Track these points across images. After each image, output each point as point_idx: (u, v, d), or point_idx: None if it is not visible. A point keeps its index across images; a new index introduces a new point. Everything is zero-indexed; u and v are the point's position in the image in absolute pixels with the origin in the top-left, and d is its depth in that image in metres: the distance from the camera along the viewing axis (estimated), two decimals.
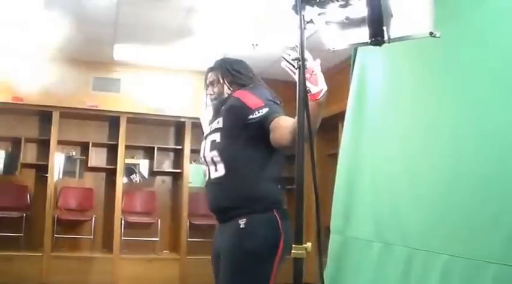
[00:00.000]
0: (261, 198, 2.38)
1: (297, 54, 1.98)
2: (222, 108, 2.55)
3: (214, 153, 2.45)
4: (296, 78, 2.03)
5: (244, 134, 2.39)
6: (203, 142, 2.59)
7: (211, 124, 2.59)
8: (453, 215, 2.88)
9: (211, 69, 2.71)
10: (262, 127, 2.32)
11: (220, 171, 2.43)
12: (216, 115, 2.59)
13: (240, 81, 2.60)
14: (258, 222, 2.34)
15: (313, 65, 2.11)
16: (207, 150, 2.51)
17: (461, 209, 2.82)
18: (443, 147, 3.08)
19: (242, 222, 2.33)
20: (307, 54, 2.02)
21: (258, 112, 2.34)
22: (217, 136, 2.47)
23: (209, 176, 2.52)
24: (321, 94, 2.09)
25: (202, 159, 2.56)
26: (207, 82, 2.70)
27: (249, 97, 2.42)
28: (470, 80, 2.94)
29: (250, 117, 2.35)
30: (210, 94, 2.68)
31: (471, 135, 2.86)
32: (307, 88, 1.99)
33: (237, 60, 2.73)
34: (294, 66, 2.03)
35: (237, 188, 2.39)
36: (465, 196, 2.82)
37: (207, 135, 2.57)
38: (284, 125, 2.23)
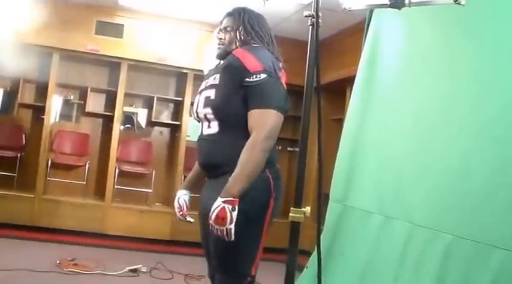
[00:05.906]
0: None
1: None
2: (220, 63, 2.51)
3: (208, 110, 2.40)
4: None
5: (239, 94, 2.33)
6: (197, 97, 2.53)
7: (207, 79, 2.52)
8: (463, 195, 2.79)
9: (228, 15, 2.61)
10: (255, 93, 2.29)
11: (214, 128, 2.40)
12: (214, 69, 2.53)
13: (249, 37, 2.50)
14: None
15: None
16: (200, 106, 2.46)
17: (472, 190, 2.73)
18: (460, 124, 2.96)
19: None
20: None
21: (256, 77, 2.28)
22: (211, 93, 2.41)
23: (201, 132, 2.49)
24: None
25: (195, 114, 2.53)
26: (221, 26, 2.60)
27: (248, 59, 2.33)
28: (494, 54, 2.81)
29: (247, 79, 2.29)
30: (220, 39, 2.57)
31: (491, 113, 2.74)
32: None
33: (256, 15, 2.60)
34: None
35: (230, 146, 2.34)
36: (478, 177, 2.72)
37: (202, 90, 2.51)
38: (251, 126, 2.26)
